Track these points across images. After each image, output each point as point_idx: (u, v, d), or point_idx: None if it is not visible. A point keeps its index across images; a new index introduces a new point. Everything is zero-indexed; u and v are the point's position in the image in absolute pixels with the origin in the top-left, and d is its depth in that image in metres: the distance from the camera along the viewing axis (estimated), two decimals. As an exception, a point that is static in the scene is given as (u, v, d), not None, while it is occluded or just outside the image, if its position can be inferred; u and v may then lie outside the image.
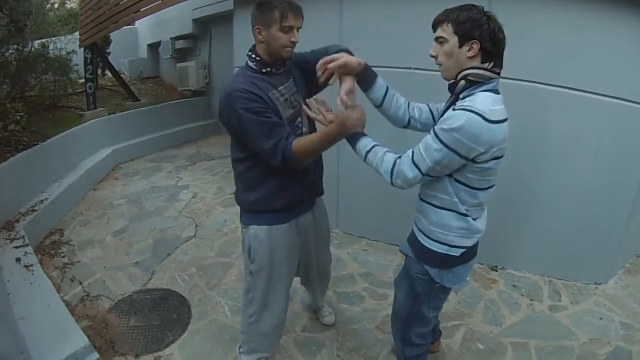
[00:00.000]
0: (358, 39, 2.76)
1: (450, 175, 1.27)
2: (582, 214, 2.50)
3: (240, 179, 1.59)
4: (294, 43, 1.43)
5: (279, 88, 1.48)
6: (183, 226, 3.50)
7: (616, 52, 2.19)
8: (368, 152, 1.35)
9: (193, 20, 6.52)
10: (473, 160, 1.20)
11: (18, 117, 3.65)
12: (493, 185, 1.33)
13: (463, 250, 1.38)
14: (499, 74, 1.24)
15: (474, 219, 1.35)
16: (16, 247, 2.78)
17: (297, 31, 1.43)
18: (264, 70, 1.47)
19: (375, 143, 1.36)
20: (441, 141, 1.18)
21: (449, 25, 1.21)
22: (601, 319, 2.29)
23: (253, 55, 1.48)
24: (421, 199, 1.43)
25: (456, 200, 1.30)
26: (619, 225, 2.49)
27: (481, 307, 2.40)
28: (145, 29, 7.93)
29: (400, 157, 1.29)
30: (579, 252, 2.57)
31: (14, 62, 4.44)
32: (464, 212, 1.32)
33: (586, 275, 2.60)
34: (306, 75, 1.57)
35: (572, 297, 2.48)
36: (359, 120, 1.34)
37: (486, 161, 1.21)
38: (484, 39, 1.18)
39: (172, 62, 7.29)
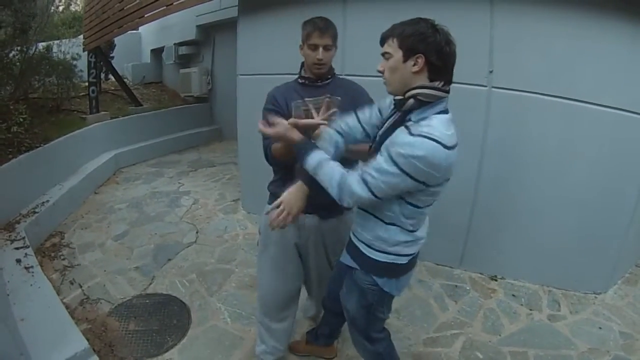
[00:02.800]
0: (360, 49, 2.80)
1: (400, 197, 1.24)
2: (582, 224, 2.51)
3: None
4: (320, 60, 1.52)
5: (306, 98, 1.56)
6: (184, 232, 3.50)
7: (612, 61, 2.22)
8: (318, 166, 1.28)
9: (197, 26, 6.57)
10: (426, 184, 1.17)
11: (21, 119, 3.69)
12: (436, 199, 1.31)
13: (409, 257, 1.38)
14: (448, 91, 1.19)
15: (417, 230, 1.35)
16: (17, 249, 2.78)
17: (326, 49, 1.51)
18: (300, 81, 1.62)
19: (326, 156, 1.30)
20: (397, 165, 1.12)
21: (394, 40, 1.17)
22: (600, 328, 2.30)
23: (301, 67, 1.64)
24: (364, 210, 1.37)
25: (404, 220, 1.29)
26: (618, 235, 2.51)
27: (480, 317, 2.40)
28: (149, 34, 7.97)
29: (348, 171, 1.24)
30: (579, 261, 2.58)
31: (18, 64, 4.48)
32: (410, 229, 1.31)
33: (585, 285, 2.61)
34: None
35: (572, 307, 2.48)
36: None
37: (439, 184, 1.20)
38: (430, 52, 1.12)
39: (175, 67, 7.33)
